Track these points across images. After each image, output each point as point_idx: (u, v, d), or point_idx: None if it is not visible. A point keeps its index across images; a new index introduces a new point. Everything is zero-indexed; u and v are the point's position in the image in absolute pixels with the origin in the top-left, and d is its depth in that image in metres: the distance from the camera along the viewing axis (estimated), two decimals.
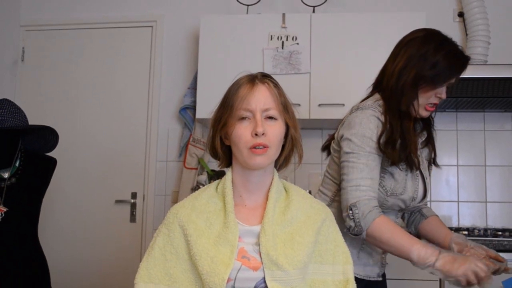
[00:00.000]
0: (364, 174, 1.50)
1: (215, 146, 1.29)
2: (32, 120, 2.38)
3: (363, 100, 1.68)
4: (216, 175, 2.98)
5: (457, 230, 2.79)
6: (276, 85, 1.26)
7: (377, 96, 1.63)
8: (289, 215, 1.24)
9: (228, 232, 1.19)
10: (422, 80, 1.53)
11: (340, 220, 1.61)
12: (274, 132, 1.21)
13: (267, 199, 1.26)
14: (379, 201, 1.55)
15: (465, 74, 1.58)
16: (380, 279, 1.69)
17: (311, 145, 2.95)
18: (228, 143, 1.26)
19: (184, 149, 3.26)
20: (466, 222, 3.08)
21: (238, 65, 2.85)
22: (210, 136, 1.30)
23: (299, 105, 2.74)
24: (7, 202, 2.12)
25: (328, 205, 1.63)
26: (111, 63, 3.47)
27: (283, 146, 1.28)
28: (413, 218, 1.83)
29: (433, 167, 1.75)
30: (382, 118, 1.55)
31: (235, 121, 1.21)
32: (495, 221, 3.06)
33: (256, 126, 1.18)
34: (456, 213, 3.11)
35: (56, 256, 2.91)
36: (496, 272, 1.53)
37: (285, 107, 1.25)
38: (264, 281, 1.15)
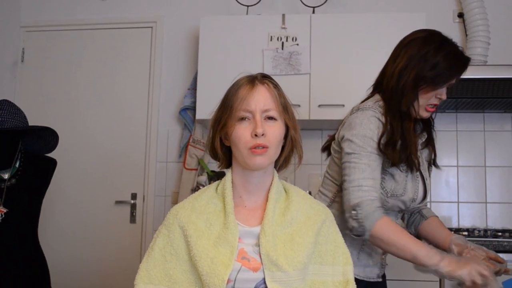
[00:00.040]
0: (366, 174, 1.49)
1: (215, 147, 1.29)
2: (32, 121, 2.38)
3: (363, 101, 1.68)
4: (216, 176, 2.98)
5: (457, 230, 2.79)
6: (276, 85, 1.26)
7: (377, 97, 1.63)
8: (289, 216, 1.24)
9: (228, 233, 1.19)
10: (422, 81, 1.53)
11: (340, 221, 1.61)
12: (274, 132, 1.21)
13: (267, 200, 1.26)
14: None
15: (465, 75, 1.58)
16: (380, 280, 1.69)
17: (311, 146, 2.95)
18: (228, 143, 1.26)
19: (184, 150, 3.26)
20: (466, 223, 3.08)
21: (238, 66, 2.85)
22: (210, 137, 1.30)
23: (299, 105, 2.74)
24: (7, 203, 2.13)
25: (328, 206, 1.63)
26: (111, 64, 3.47)
27: (283, 147, 1.28)
28: (413, 219, 1.83)
29: (433, 168, 1.75)
30: (383, 119, 1.55)
31: (234, 121, 1.21)
32: (495, 222, 3.06)
33: (255, 126, 1.19)
34: (456, 213, 3.11)
35: (56, 257, 2.91)
36: (497, 273, 1.53)
37: (285, 107, 1.25)
38: (264, 282, 1.15)
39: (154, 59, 3.42)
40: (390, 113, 1.55)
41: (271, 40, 2.96)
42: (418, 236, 1.80)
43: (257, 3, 3.22)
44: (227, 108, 1.23)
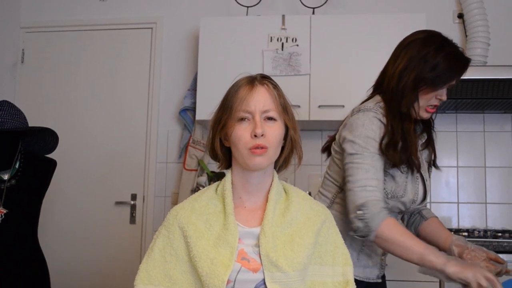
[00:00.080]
0: (370, 174, 1.49)
1: (215, 148, 1.29)
2: (32, 122, 2.38)
3: (363, 102, 1.68)
4: (216, 177, 2.98)
5: (457, 231, 2.79)
6: (276, 86, 1.26)
7: (378, 98, 1.63)
8: (289, 217, 1.24)
9: (228, 234, 1.19)
10: (422, 82, 1.52)
11: (341, 222, 1.61)
12: (273, 133, 1.21)
13: (266, 200, 1.26)
14: None
15: (465, 76, 1.58)
16: (380, 280, 1.69)
17: (311, 147, 2.95)
18: (228, 144, 1.26)
19: (184, 150, 3.26)
20: (466, 223, 3.08)
21: (238, 66, 2.85)
22: (209, 138, 1.30)
23: (298, 106, 2.74)
24: (7, 203, 2.12)
25: (328, 207, 1.63)
26: (111, 64, 3.47)
27: (283, 148, 1.28)
28: (412, 219, 1.83)
29: (433, 168, 1.75)
30: (384, 120, 1.55)
31: (234, 122, 1.21)
32: (495, 222, 3.06)
33: (255, 127, 1.18)
34: (456, 214, 3.11)
35: (56, 257, 2.91)
36: (497, 274, 1.53)
37: (285, 108, 1.25)
38: (264, 283, 1.15)
39: (154, 59, 3.43)
40: (391, 114, 1.55)
41: (271, 41, 2.96)
42: (418, 236, 1.80)
43: (257, 4, 3.22)
44: (227, 109, 1.23)
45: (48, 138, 2.33)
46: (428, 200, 1.75)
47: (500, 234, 2.70)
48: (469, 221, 3.09)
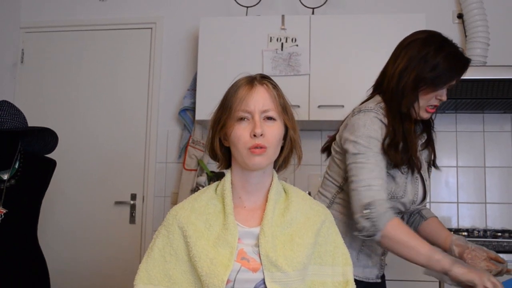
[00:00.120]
0: (374, 174, 1.48)
1: (215, 148, 1.29)
2: (32, 122, 2.38)
3: (363, 102, 1.68)
4: (215, 177, 2.98)
5: (457, 231, 2.79)
6: (275, 86, 1.26)
7: (378, 98, 1.62)
8: (289, 217, 1.24)
9: (228, 234, 1.19)
10: (422, 82, 1.52)
11: (340, 222, 1.61)
12: (273, 133, 1.21)
13: (266, 200, 1.26)
14: None
15: (465, 76, 1.58)
16: (379, 280, 1.69)
17: (311, 147, 2.95)
18: (227, 144, 1.26)
19: (183, 150, 3.26)
20: (465, 223, 3.08)
21: (237, 66, 2.85)
22: (209, 138, 1.31)
23: (298, 106, 2.74)
24: (6, 203, 2.13)
25: (328, 207, 1.63)
26: (110, 64, 3.47)
27: (282, 147, 1.28)
28: (412, 219, 1.83)
29: (433, 168, 1.75)
30: (385, 120, 1.55)
31: (234, 122, 1.21)
32: (494, 222, 3.06)
33: (254, 127, 1.19)
34: (455, 214, 3.11)
35: (56, 257, 2.91)
36: (498, 274, 1.54)
37: (284, 108, 1.25)
38: (264, 283, 1.15)
39: (153, 59, 3.43)
40: (391, 114, 1.55)
41: (270, 41, 2.97)
42: None
43: (256, 4, 3.23)
44: (226, 109, 1.23)
45: (48, 138, 2.34)
46: (427, 200, 1.75)
47: (499, 234, 2.70)
48: (468, 221, 3.09)
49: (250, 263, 1.17)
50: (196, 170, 3.20)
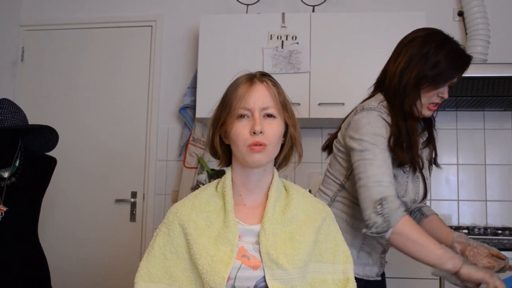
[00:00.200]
0: (383, 170, 1.47)
1: (215, 145, 1.29)
2: (32, 120, 2.38)
3: (365, 100, 1.68)
4: (216, 174, 2.98)
5: (457, 228, 2.79)
6: (275, 84, 1.26)
7: (380, 96, 1.62)
8: (289, 214, 1.24)
9: (228, 231, 1.19)
10: (423, 80, 1.52)
11: (341, 220, 1.61)
12: (273, 130, 1.21)
13: (267, 198, 1.26)
14: None
15: (465, 73, 1.57)
16: (379, 278, 1.69)
17: (311, 144, 2.96)
18: (228, 142, 1.26)
19: (184, 148, 3.26)
20: (466, 221, 3.08)
21: (238, 64, 2.85)
22: (209, 135, 1.30)
23: (298, 104, 2.74)
24: (7, 201, 2.13)
25: (329, 205, 1.63)
26: (110, 62, 3.47)
27: (283, 145, 1.28)
28: (413, 217, 1.82)
29: (433, 167, 1.75)
30: (389, 119, 1.54)
31: (234, 119, 1.21)
32: (495, 220, 3.06)
33: (254, 124, 1.19)
34: (456, 211, 3.11)
35: (56, 255, 2.91)
36: (500, 270, 1.54)
37: (284, 105, 1.25)
38: (264, 280, 1.15)
39: (154, 57, 3.42)
40: (394, 113, 1.55)
41: (271, 38, 2.96)
42: None
43: (256, 1, 3.22)
44: (226, 106, 1.23)
45: (48, 136, 2.33)
46: (428, 198, 1.75)
47: (500, 231, 2.70)
48: (469, 218, 3.09)
49: (251, 261, 1.17)
50: (196, 168, 3.20)
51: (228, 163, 1.32)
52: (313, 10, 3.17)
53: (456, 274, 1.38)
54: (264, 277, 1.15)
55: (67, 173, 3.31)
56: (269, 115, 1.22)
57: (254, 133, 1.18)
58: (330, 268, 1.25)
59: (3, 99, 2.19)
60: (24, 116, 2.21)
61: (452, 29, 3.09)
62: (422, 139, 1.68)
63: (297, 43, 2.94)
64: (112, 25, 3.49)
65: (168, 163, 3.36)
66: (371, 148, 1.49)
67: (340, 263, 1.26)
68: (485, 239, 2.55)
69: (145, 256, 1.24)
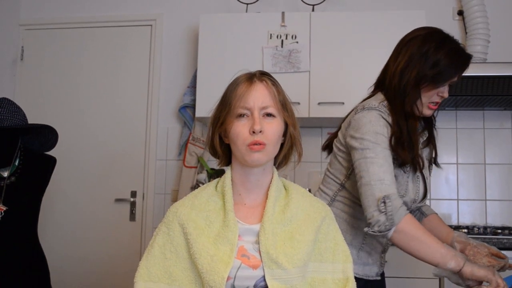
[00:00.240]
0: (384, 168, 1.46)
1: (214, 145, 1.29)
2: (32, 119, 2.38)
3: (365, 99, 1.67)
4: (215, 174, 2.98)
5: (457, 228, 2.79)
6: (275, 83, 1.26)
7: (380, 96, 1.61)
8: (289, 214, 1.24)
9: (228, 231, 1.19)
10: (423, 79, 1.52)
11: (341, 219, 1.61)
12: (272, 129, 1.21)
13: (266, 197, 1.25)
14: None
15: (465, 72, 1.57)
16: (379, 278, 1.68)
17: (311, 144, 2.96)
18: (227, 141, 1.26)
19: (183, 147, 3.26)
20: (465, 220, 3.08)
21: (237, 63, 2.85)
22: (209, 135, 1.30)
23: (298, 103, 2.74)
24: (6, 201, 2.12)
25: (329, 204, 1.63)
26: (110, 62, 3.47)
27: (282, 144, 1.28)
28: None
29: (433, 166, 1.74)
30: (389, 119, 1.54)
31: (233, 119, 1.21)
32: (494, 219, 3.06)
33: (253, 123, 1.18)
34: (455, 211, 3.11)
35: (56, 255, 2.91)
36: (500, 269, 1.54)
37: (284, 105, 1.25)
38: (264, 280, 1.15)
39: (153, 57, 3.42)
40: (395, 112, 1.54)
41: (270, 38, 2.96)
42: None
43: (256, 1, 3.22)
44: (226, 106, 1.23)
45: (48, 135, 2.33)
46: (428, 198, 1.75)
47: (499, 231, 2.70)
48: (469, 218, 3.09)
49: (251, 260, 1.17)
50: (196, 167, 3.20)
51: (228, 162, 1.32)
52: (313, 9, 3.17)
53: (458, 272, 1.38)
54: (263, 276, 1.15)
55: (66, 172, 3.30)
56: (269, 115, 1.22)
57: (254, 132, 1.18)
58: (329, 267, 1.25)
59: (2, 98, 2.18)
60: (24, 115, 2.21)
61: (452, 28, 3.09)
62: (422, 138, 1.68)
63: (297, 42, 2.94)
64: (112, 25, 3.49)
65: (167, 162, 3.36)
66: (372, 147, 1.49)
67: (339, 262, 1.26)
68: (484, 238, 2.55)
69: (145, 256, 1.24)
